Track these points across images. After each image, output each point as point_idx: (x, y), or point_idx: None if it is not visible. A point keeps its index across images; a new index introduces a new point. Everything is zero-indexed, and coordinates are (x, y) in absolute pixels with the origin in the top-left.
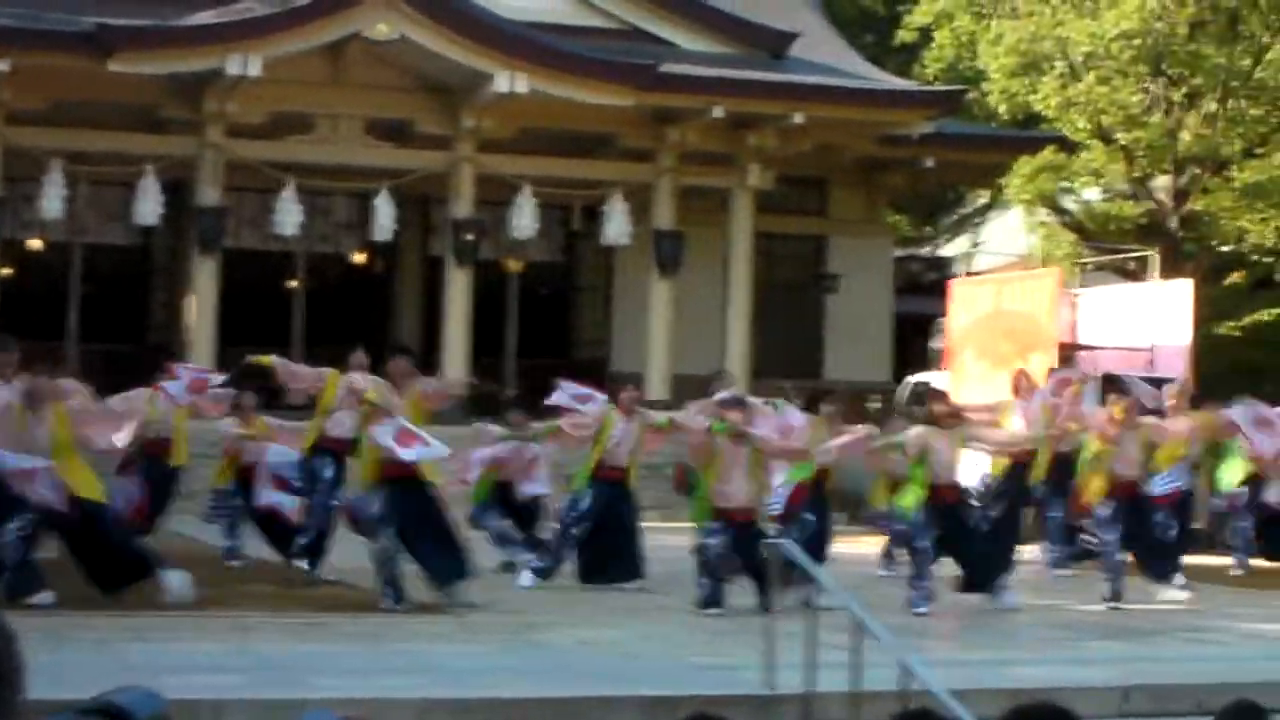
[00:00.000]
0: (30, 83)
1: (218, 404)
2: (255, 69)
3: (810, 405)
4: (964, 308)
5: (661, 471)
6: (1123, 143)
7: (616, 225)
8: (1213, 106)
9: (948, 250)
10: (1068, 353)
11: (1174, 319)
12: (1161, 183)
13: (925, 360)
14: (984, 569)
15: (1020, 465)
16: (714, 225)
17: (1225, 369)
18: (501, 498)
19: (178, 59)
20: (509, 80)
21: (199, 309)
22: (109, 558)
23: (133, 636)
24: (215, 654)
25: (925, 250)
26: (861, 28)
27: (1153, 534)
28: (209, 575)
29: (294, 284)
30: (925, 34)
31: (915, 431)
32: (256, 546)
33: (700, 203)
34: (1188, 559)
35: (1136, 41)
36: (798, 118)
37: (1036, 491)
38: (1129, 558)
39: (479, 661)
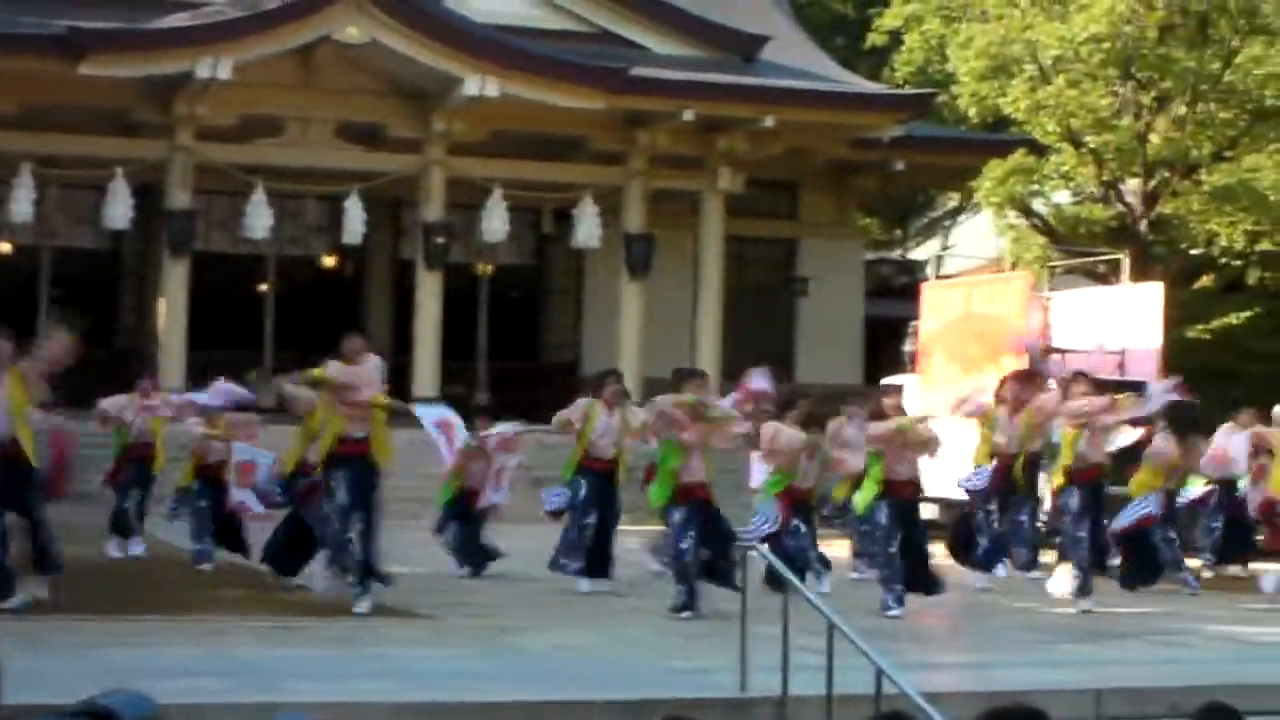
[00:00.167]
0: (0, 85)
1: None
2: (225, 72)
3: (783, 409)
4: (935, 311)
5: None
6: (1092, 146)
7: (587, 228)
8: (1182, 110)
9: (918, 253)
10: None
11: (1144, 322)
12: (1131, 186)
13: (897, 363)
14: (926, 571)
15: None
16: (684, 228)
17: (1195, 372)
18: (464, 509)
19: (148, 62)
20: (479, 83)
21: (169, 312)
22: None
23: (108, 641)
24: (190, 658)
25: (896, 253)
26: (832, 31)
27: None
28: (180, 579)
29: (264, 287)
30: (895, 37)
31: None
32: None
33: (671, 206)
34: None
35: (1106, 45)
36: (768, 121)
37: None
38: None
39: (453, 665)
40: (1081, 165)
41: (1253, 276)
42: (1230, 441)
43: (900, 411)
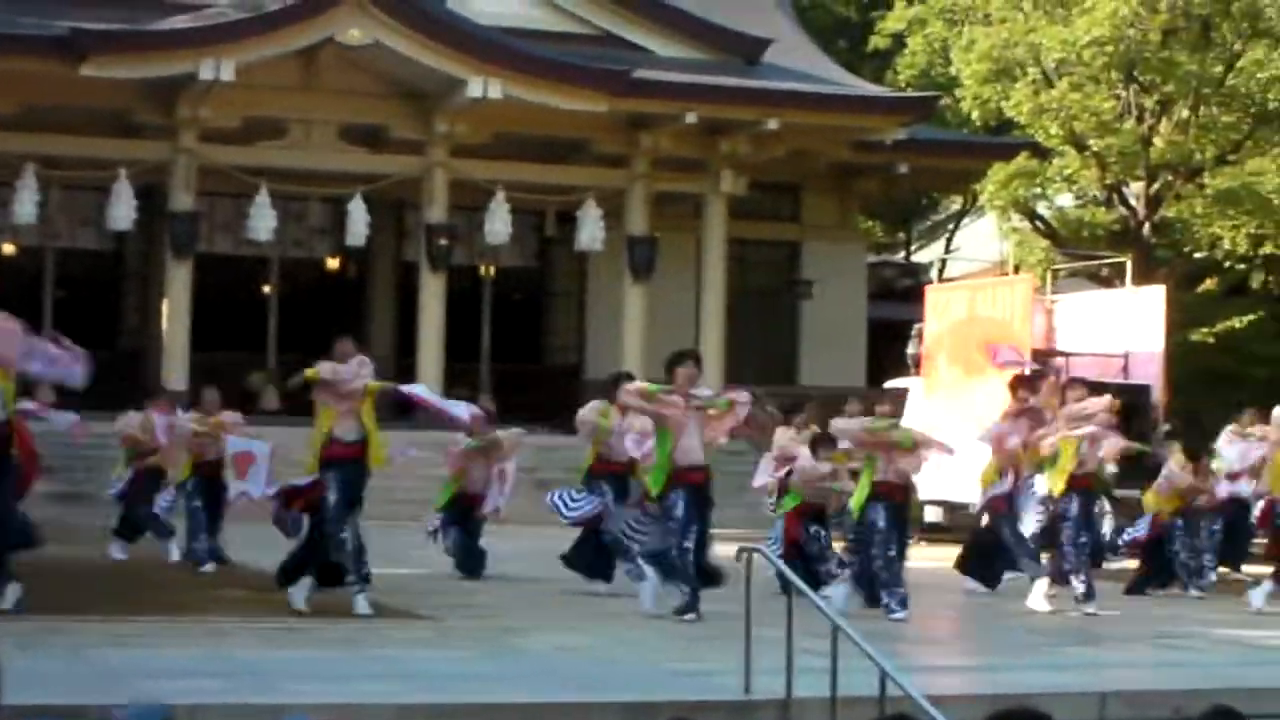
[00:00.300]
0: (2, 87)
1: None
2: (228, 74)
3: (787, 413)
4: (938, 314)
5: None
6: (1095, 149)
7: (590, 231)
8: (1185, 113)
9: (921, 256)
10: (1041, 359)
11: (1147, 325)
12: (1134, 189)
13: (901, 366)
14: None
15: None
16: (687, 231)
17: (1198, 375)
18: (462, 513)
19: (151, 63)
20: (482, 86)
21: (172, 314)
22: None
23: (107, 642)
24: (191, 659)
25: (899, 256)
26: (835, 34)
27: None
28: (180, 580)
29: (268, 289)
30: (899, 40)
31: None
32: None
33: (674, 208)
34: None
35: (1109, 48)
36: (771, 124)
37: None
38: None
39: (456, 667)
40: (1084, 168)
41: (1256, 280)
42: (1235, 453)
43: (895, 417)
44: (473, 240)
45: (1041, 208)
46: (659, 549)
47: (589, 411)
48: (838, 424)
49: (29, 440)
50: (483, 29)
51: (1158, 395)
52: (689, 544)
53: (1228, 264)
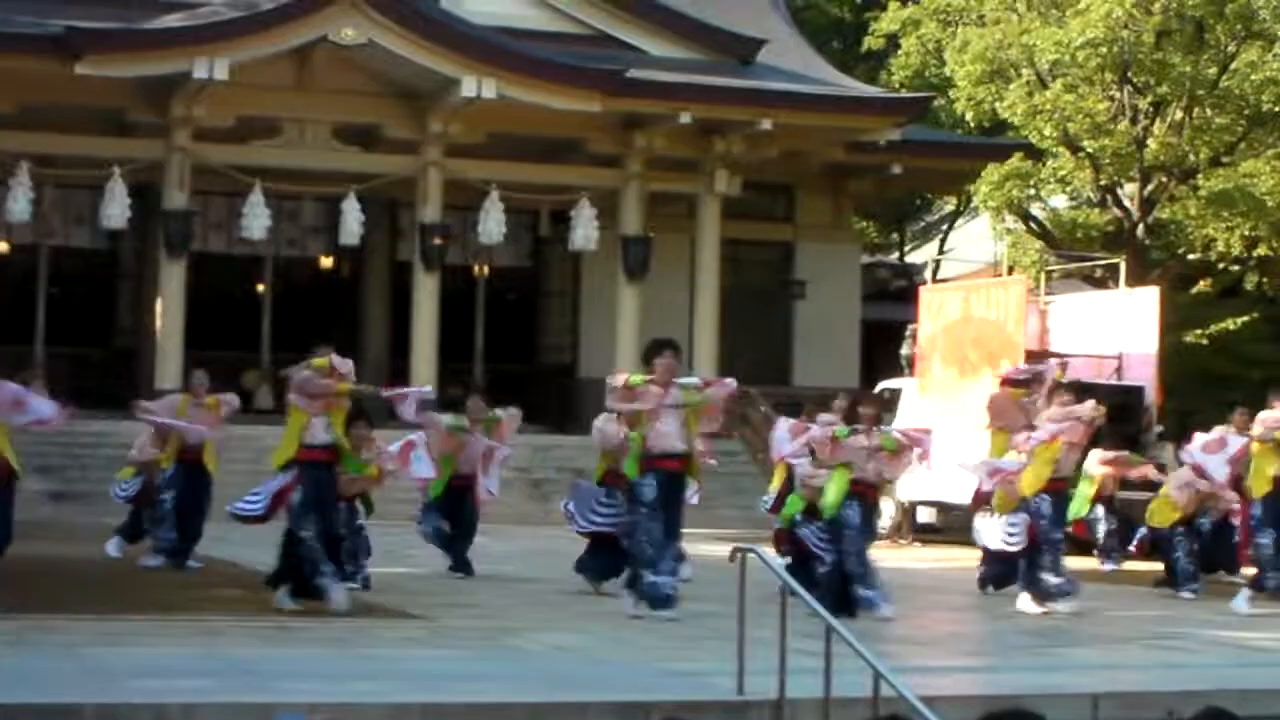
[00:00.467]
0: None
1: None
2: (222, 73)
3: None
4: (932, 315)
5: None
6: (1089, 150)
7: (584, 230)
8: (1179, 115)
9: (915, 257)
10: (1036, 360)
11: (1141, 327)
12: (1128, 191)
13: (894, 367)
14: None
15: None
16: (681, 231)
17: (1192, 377)
18: (454, 504)
19: (145, 62)
20: (476, 85)
21: (166, 312)
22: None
23: (102, 640)
24: (183, 658)
25: (893, 257)
26: (829, 34)
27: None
28: (174, 579)
29: (262, 288)
30: (892, 41)
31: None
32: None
33: (668, 208)
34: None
35: (1103, 49)
36: (765, 124)
37: None
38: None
39: (450, 666)
40: (1079, 170)
41: (1250, 282)
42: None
43: (875, 420)
44: (467, 240)
45: (1035, 209)
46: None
47: (605, 422)
48: (814, 434)
49: None
50: (477, 28)
51: (1152, 397)
52: (657, 527)
53: (1222, 266)
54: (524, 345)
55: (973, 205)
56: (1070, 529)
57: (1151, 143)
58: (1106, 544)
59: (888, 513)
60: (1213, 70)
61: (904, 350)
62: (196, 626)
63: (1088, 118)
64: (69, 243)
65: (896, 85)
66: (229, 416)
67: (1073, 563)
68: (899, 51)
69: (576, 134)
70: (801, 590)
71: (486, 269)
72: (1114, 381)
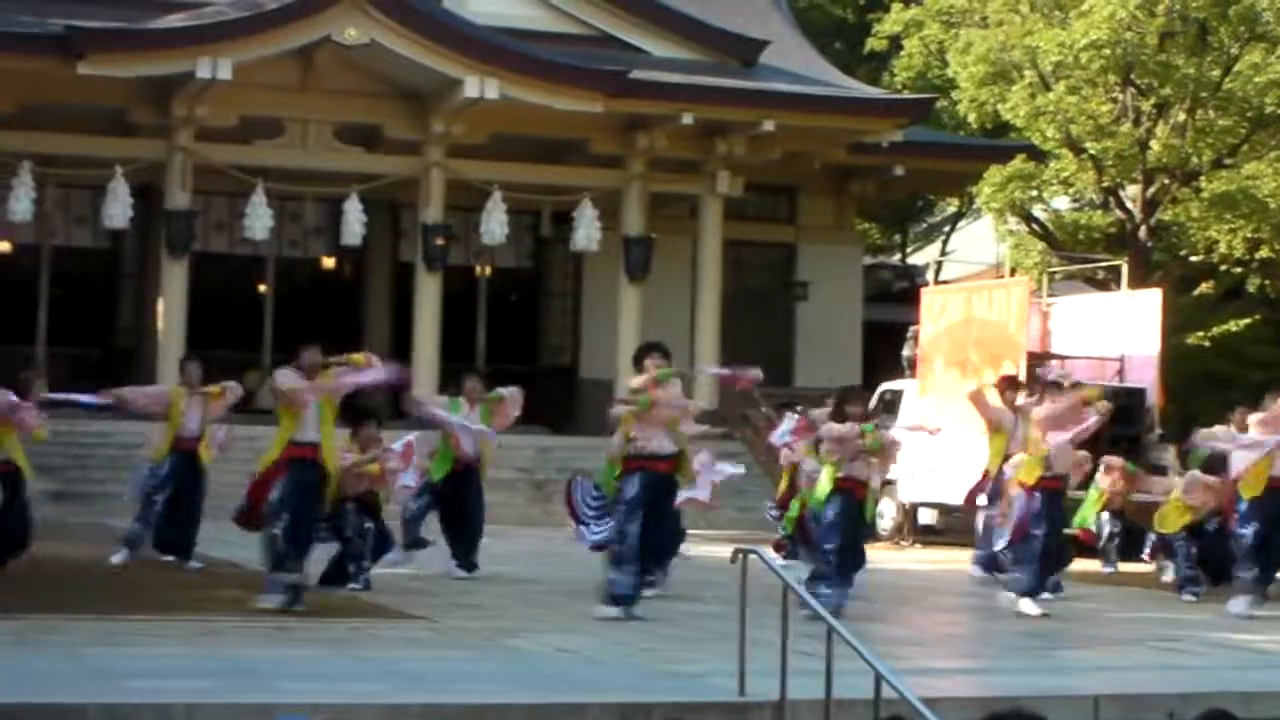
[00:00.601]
0: None
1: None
2: (225, 73)
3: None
4: (934, 316)
5: None
6: (1092, 152)
7: (586, 231)
8: (1182, 117)
9: (917, 258)
10: (1037, 362)
11: (1143, 329)
12: (1131, 193)
13: (896, 368)
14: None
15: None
16: (683, 232)
17: (1194, 379)
18: (456, 490)
19: (147, 62)
20: (479, 86)
21: (168, 313)
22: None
23: (102, 641)
24: (184, 658)
25: (895, 258)
26: (832, 36)
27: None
28: (174, 579)
29: (263, 288)
30: (895, 42)
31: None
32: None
33: (670, 209)
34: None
35: (1106, 51)
36: (767, 125)
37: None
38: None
39: (450, 667)
40: (1081, 171)
41: (1253, 284)
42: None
43: (863, 418)
44: (469, 240)
45: (1038, 210)
46: (607, 538)
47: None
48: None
49: None
50: (479, 29)
51: (1153, 399)
52: (634, 527)
53: (1224, 267)
54: (525, 346)
55: (975, 207)
56: (1078, 534)
57: (1154, 145)
58: (1106, 547)
59: (889, 514)
60: (1216, 72)
61: (906, 352)
62: (198, 627)
63: (1090, 119)
64: (71, 243)
65: (899, 87)
66: (233, 403)
67: (1077, 565)
68: (901, 53)
69: (579, 135)
70: (803, 591)
71: (488, 269)
72: (1116, 383)
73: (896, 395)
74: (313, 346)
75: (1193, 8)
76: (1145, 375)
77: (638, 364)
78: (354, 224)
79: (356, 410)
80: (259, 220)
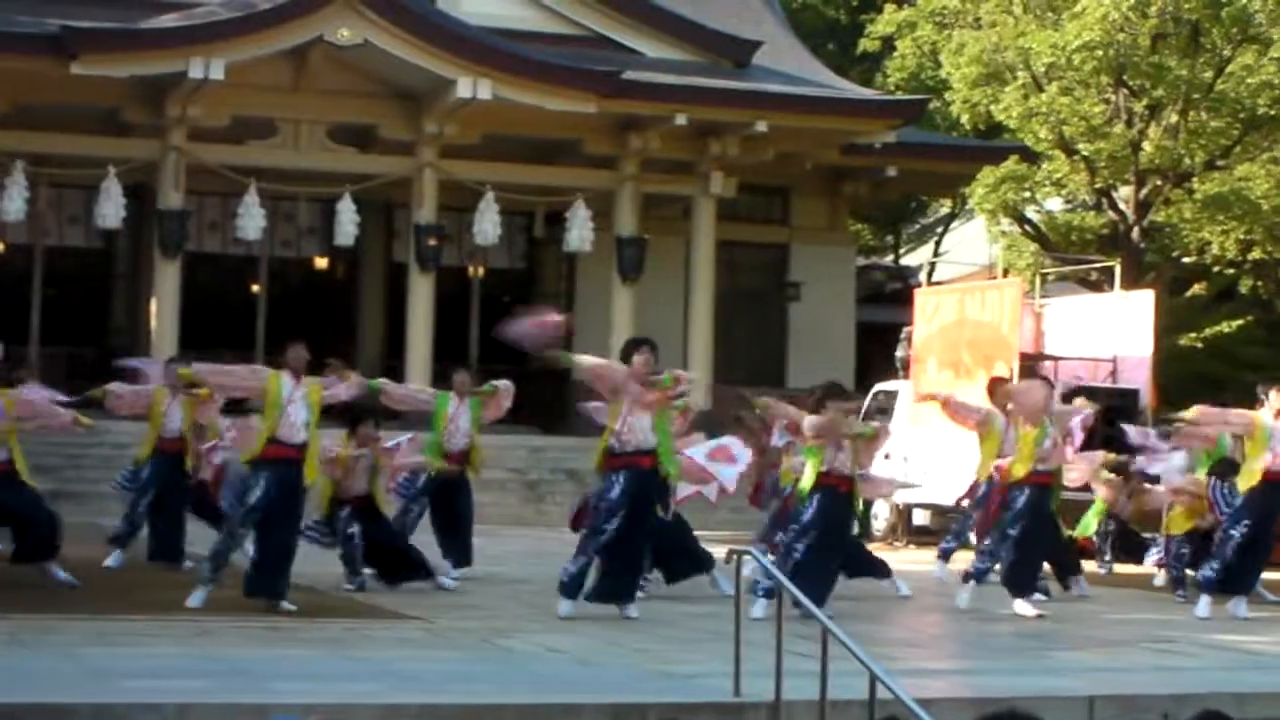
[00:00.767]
0: None
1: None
2: (218, 73)
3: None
4: (927, 317)
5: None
6: (1085, 153)
7: (579, 232)
8: (1174, 118)
9: (910, 259)
10: (1030, 363)
11: (1136, 330)
12: (1124, 194)
13: (889, 369)
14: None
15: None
16: (676, 233)
17: (1187, 380)
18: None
19: (140, 62)
20: (472, 86)
21: (161, 313)
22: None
23: (95, 641)
24: (178, 658)
25: (888, 259)
26: (824, 37)
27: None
28: (169, 579)
29: (256, 288)
30: (888, 43)
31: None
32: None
33: (663, 210)
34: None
35: (1099, 53)
36: (760, 126)
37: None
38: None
39: (444, 667)
40: (1074, 173)
41: (1245, 285)
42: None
43: (848, 414)
44: (462, 241)
45: (1031, 212)
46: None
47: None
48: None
49: None
50: (472, 29)
51: (1146, 400)
52: (611, 526)
53: (1217, 269)
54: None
55: (968, 208)
56: (1080, 541)
57: (1147, 146)
58: (1101, 547)
59: (883, 515)
60: (1208, 74)
61: (899, 352)
62: (192, 627)
63: (1083, 121)
64: (64, 242)
65: (892, 88)
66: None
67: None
68: (894, 54)
69: (571, 135)
70: (798, 592)
71: (481, 270)
72: (1109, 384)
73: (890, 396)
74: (298, 343)
75: (1185, 9)
76: (1138, 376)
77: (625, 359)
78: (347, 224)
79: (354, 410)
80: (252, 220)
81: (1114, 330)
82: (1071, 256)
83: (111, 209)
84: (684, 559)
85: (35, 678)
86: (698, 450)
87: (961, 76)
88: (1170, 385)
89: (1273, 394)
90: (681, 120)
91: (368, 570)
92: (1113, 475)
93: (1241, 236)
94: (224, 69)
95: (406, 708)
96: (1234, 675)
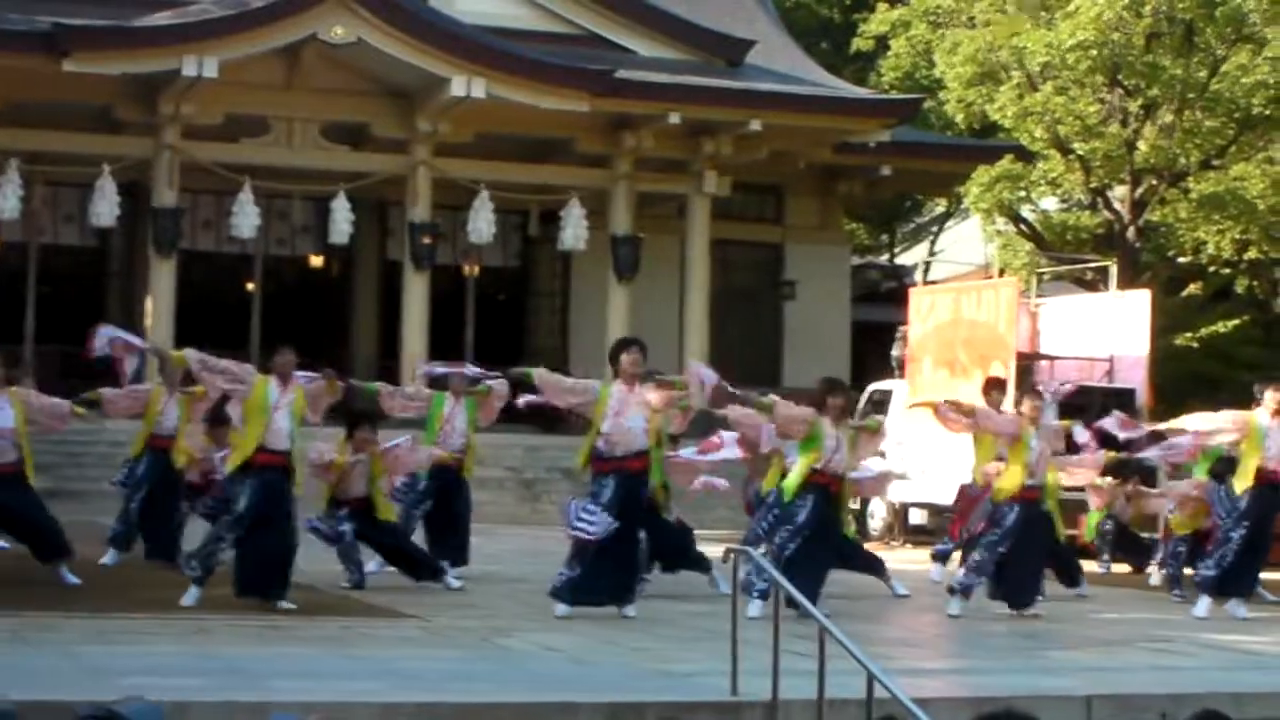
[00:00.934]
0: None
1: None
2: (211, 71)
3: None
4: (922, 316)
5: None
6: (1080, 153)
7: (573, 230)
8: (1169, 118)
9: (905, 259)
10: (1026, 362)
11: (1132, 329)
12: (1119, 193)
13: (884, 368)
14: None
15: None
16: (671, 232)
17: (1183, 380)
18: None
19: (134, 60)
20: (465, 84)
21: (156, 311)
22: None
23: (95, 639)
24: (176, 657)
25: (883, 258)
26: (818, 36)
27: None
28: (167, 578)
29: (251, 286)
30: (882, 43)
31: (804, 410)
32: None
33: (657, 209)
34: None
35: (1093, 52)
36: (754, 125)
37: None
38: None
39: (442, 666)
40: (1069, 172)
41: (1241, 285)
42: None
43: (843, 412)
44: (456, 239)
45: (1026, 211)
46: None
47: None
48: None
49: None
50: (466, 28)
51: (1142, 399)
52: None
53: (1212, 269)
54: (513, 345)
55: (963, 207)
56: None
57: (1142, 145)
58: (1100, 546)
59: (879, 514)
60: (1203, 73)
61: (894, 352)
62: (190, 625)
63: (1078, 120)
64: (58, 240)
65: (886, 87)
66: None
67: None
68: (888, 53)
69: (565, 134)
70: (795, 591)
71: (476, 269)
72: (1105, 384)
73: (886, 395)
74: (286, 349)
75: (1179, 9)
76: (1134, 376)
77: (614, 360)
78: (341, 222)
79: (352, 413)
80: (246, 218)
81: (1110, 330)
82: (1067, 256)
83: (106, 207)
84: (684, 559)
85: (34, 675)
86: (688, 450)
87: (956, 76)
88: (1166, 385)
89: (1269, 393)
90: (675, 119)
91: (373, 568)
92: (1105, 480)
93: (1237, 236)
94: (217, 67)
95: (404, 706)
96: (1232, 675)
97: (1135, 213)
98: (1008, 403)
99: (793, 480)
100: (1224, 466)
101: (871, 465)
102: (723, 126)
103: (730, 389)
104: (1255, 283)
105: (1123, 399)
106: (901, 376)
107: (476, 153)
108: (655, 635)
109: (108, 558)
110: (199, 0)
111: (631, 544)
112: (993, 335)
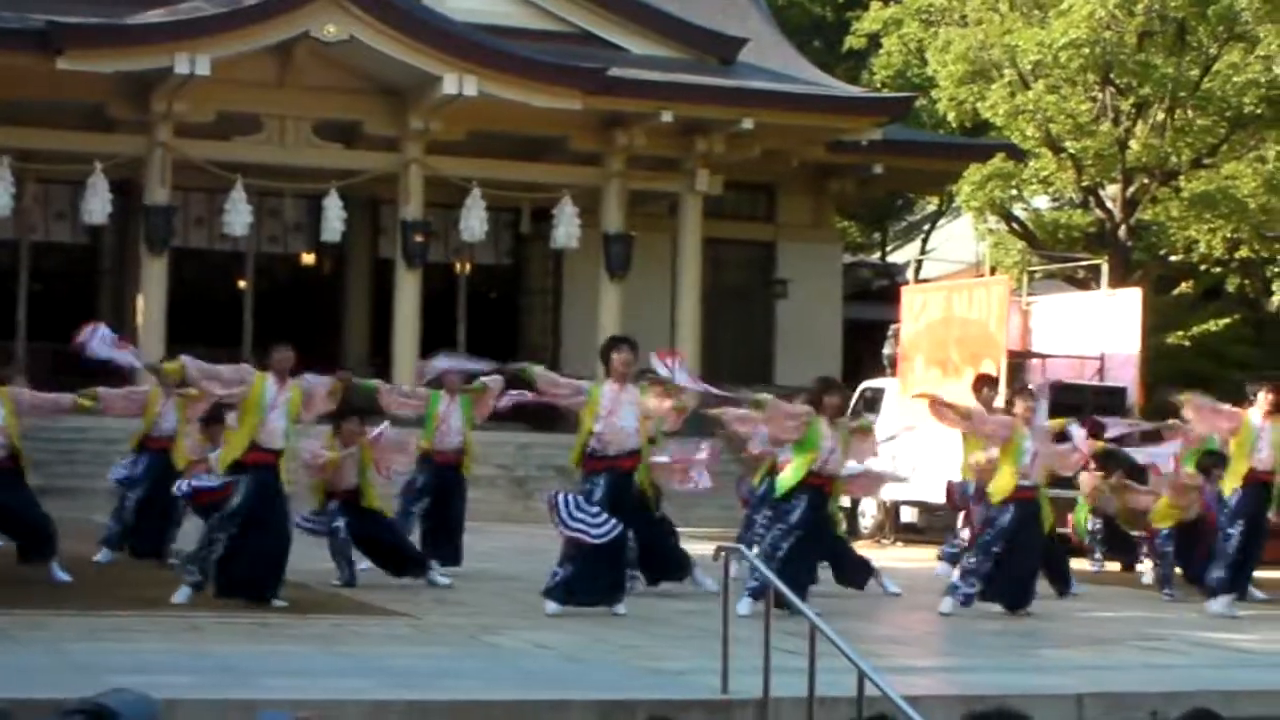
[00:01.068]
0: None
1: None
2: (203, 69)
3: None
4: (914, 315)
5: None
6: (1072, 151)
7: (565, 229)
8: (1161, 116)
9: (897, 257)
10: (1017, 361)
11: (1123, 328)
12: (1111, 192)
13: (876, 367)
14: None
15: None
16: (663, 230)
17: (1174, 378)
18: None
19: (126, 58)
20: (457, 82)
21: (148, 308)
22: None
23: (85, 636)
24: (166, 654)
25: (875, 257)
26: (810, 34)
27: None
28: (158, 576)
29: (243, 284)
30: (874, 41)
31: (800, 407)
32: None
33: (649, 207)
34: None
35: (1085, 50)
36: (746, 123)
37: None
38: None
39: (432, 663)
40: (1061, 170)
41: (1232, 284)
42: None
43: (839, 411)
44: (448, 237)
45: (1018, 209)
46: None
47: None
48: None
49: None
50: (458, 26)
51: (1133, 398)
52: (599, 531)
53: (1204, 267)
54: (505, 343)
55: (955, 205)
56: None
57: (1133, 144)
58: (1091, 544)
59: (870, 513)
60: (1195, 72)
61: (886, 350)
62: (180, 623)
63: (1070, 118)
64: (50, 238)
65: (878, 85)
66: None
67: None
68: (880, 51)
69: (558, 132)
70: (786, 590)
71: (468, 266)
72: (1096, 382)
73: (878, 393)
74: (284, 346)
75: (1171, 7)
76: (1125, 374)
77: (605, 359)
78: (333, 220)
79: (338, 408)
80: (238, 216)
81: (1101, 328)
82: (1058, 254)
83: (98, 205)
84: (667, 561)
85: (24, 673)
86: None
87: (948, 74)
88: (1157, 383)
89: (1262, 394)
90: (667, 117)
91: (365, 565)
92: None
93: (1228, 235)
94: (210, 65)
95: (394, 704)
96: (1223, 673)
97: (1127, 211)
98: (999, 400)
99: (788, 479)
100: (1211, 460)
101: (871, 466)
102: (715, 125)
103: (712, 389)
104: (1246, 281)
105: (1114, 397)
106: (893, 375)
107: (468, 151)
108: (646, 633)
109: (101, 555)
110: None
111: (621, 543)
112: (984, 333)
